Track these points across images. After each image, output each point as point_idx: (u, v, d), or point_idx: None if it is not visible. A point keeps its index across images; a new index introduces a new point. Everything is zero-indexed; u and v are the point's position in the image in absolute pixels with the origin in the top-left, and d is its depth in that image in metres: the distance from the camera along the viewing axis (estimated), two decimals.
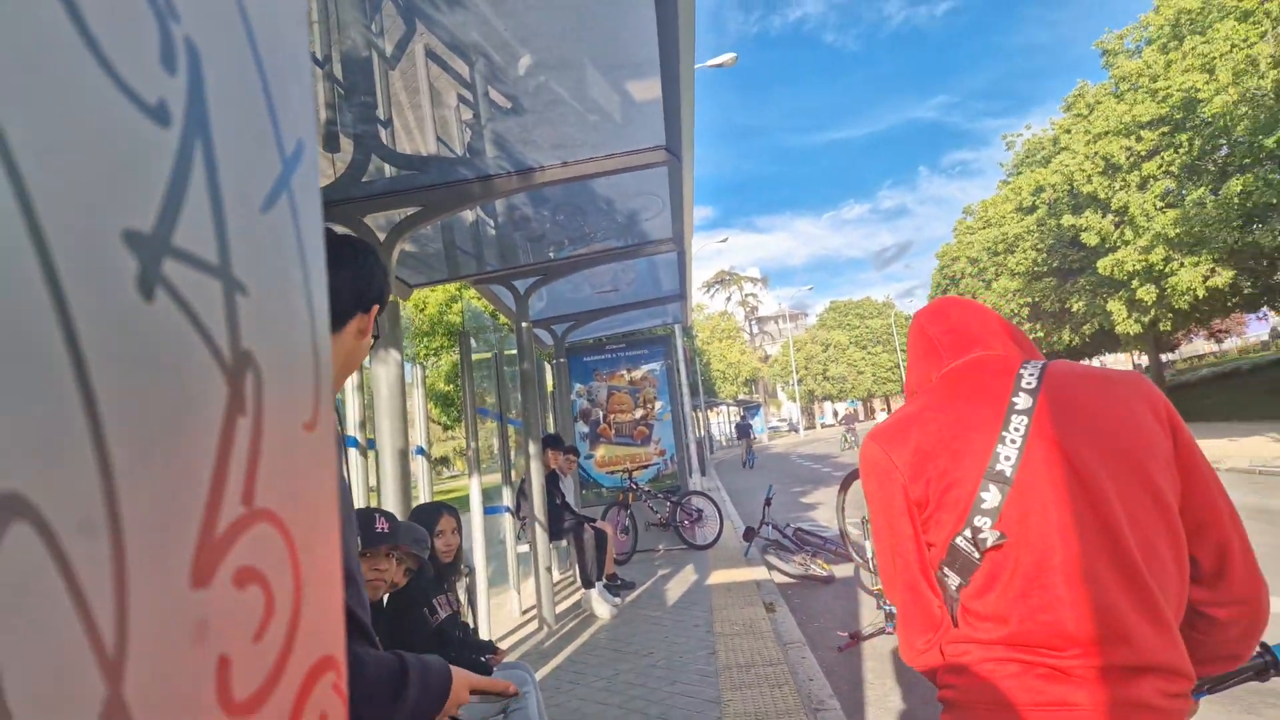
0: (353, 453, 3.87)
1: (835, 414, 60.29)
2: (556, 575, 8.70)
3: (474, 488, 5.90)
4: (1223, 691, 1.37)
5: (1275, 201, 16.67)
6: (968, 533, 1.22)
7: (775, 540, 8.35)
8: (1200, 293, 18.39)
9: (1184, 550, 1.21)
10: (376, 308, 1.36)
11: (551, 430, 9.20)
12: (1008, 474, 1.21)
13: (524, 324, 6.17)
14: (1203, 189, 18.18)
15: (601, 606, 6.60)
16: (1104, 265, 20.84)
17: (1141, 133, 20.33)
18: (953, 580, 1.26)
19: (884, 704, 4.44)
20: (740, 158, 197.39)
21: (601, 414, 10.13)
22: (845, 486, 6.17)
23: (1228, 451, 15.20)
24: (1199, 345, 54.17)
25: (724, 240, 36.67)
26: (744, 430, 30.80)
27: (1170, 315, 20.62)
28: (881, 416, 34.70)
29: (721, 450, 44.62)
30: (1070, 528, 1.18)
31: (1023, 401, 1.27)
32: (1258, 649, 1.34)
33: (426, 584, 2.94)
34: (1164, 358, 41.18)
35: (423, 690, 1.18)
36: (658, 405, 10.11)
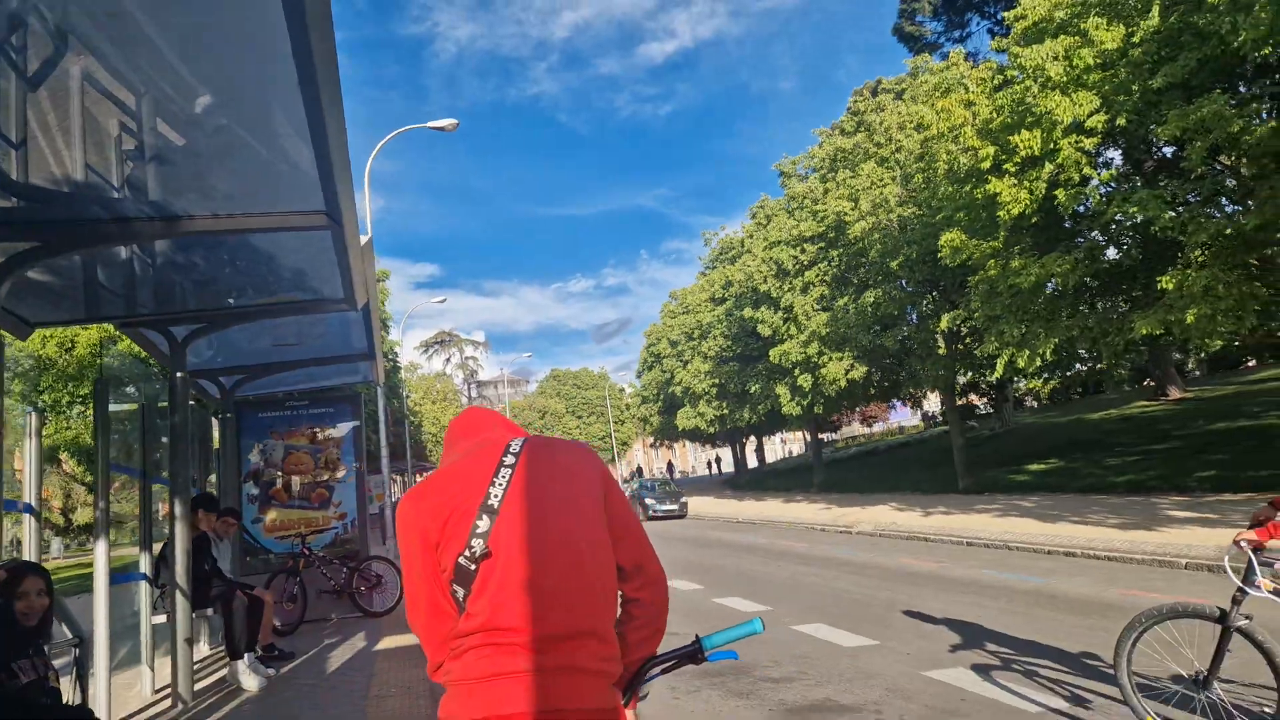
0: None
1: None
2: (206, 649, 7.95)
3: (100, 552, 5.31)
4: (670, 671, 1.87)
5: (897, 313, 20.71)
6: (468, 551, 1.61)
7: None
8: (843, 383, 21.94)
9: (612, 554, 1.73)
10: None
11: (212, 490, 8.50)
12: (495, 506, 1.65)
13: (180, 374, 5.79)
14: (847, 298, 21.97)
15: (249, 679, 6.19)
16: (774, 354, 24.15)
17: (805, 245, 24.17)
18: (459, 592, 1.63)
19: None
20: (470, 219, 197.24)
21: (277, 474, 9.56)
22: None
23: (859, 518, 18.16)
24: (856, 428, 64.23)
25: (442, 300, 36.75)
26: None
27: (823, 400, 24.26)
28: None
29: None
30: (535, 539, 1.63)
31: (510, 460, 1.74)
32: (693, 639, 1.87)
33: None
34: (825, 437, 48.06)
35: None
36: (342, 469, 9.79)
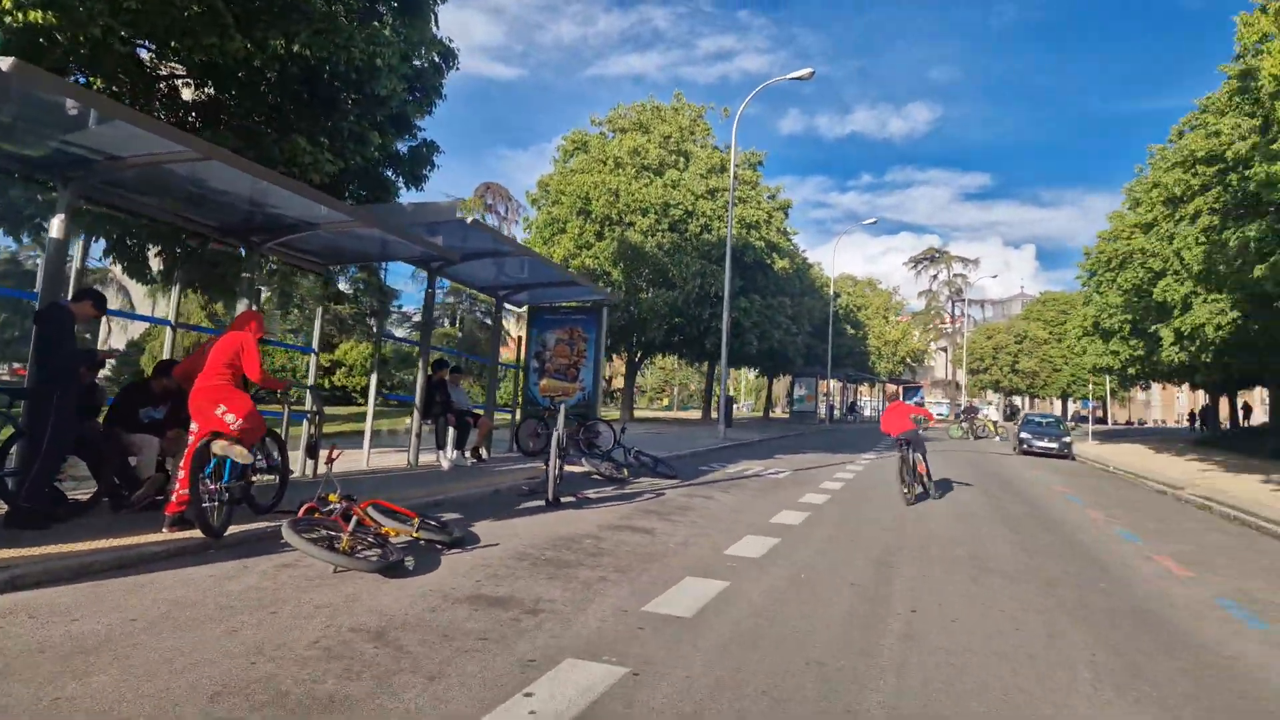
0: None
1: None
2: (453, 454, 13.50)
3: (373, 380, 10.84)
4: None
5: None
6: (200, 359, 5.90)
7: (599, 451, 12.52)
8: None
9: (232, 369, 5.88)
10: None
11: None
12: (207, 349, 5.92)
13: (428, 290, 10.98)
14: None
15: (444, 461, 11.35)
16: (1157, 291, 20.93)
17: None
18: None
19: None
20: (1032, 124, 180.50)
21: (549, 355, 14.69)
22: (553, 416, 10.25)
23: (1231, 488, 15.99)
24: None
25: (873, 221, 38.50)
26: (852, 409, 36.07)
27: (1211, 349, 20.46)
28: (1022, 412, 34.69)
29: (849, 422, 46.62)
30: (214, 357, 5.82)
31: (218, 337, 5.91)
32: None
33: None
34: None
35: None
36: (586, 357, 14.49)
